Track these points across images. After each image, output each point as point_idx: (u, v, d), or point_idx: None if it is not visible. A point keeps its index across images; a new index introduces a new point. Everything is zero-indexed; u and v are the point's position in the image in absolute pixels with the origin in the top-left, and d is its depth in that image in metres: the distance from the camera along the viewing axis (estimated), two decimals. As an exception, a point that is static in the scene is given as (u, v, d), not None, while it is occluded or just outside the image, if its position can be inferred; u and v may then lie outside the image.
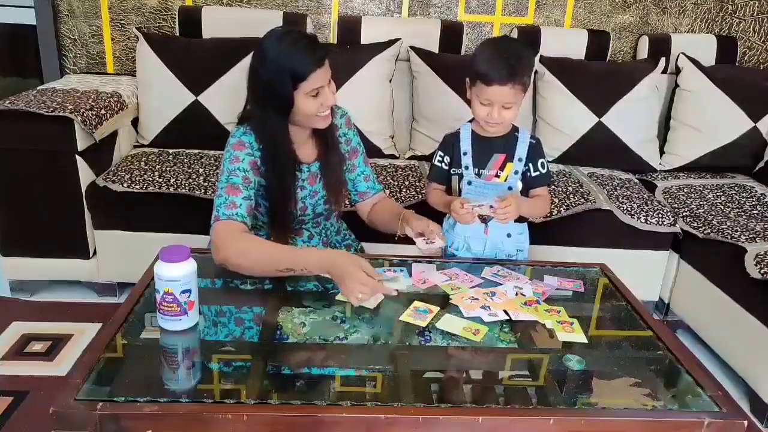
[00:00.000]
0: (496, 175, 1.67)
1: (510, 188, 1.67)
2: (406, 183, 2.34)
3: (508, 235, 1.70)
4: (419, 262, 1.58)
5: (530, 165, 1.68)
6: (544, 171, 1.69)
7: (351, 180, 1.75)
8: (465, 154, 1.68)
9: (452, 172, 1.72)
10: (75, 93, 2.35)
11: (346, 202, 1.83)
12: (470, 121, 1.71)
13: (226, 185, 1.47)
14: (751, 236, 2.10)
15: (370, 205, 1.78)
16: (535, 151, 1.68)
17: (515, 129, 1.69)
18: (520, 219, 1.71)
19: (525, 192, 1.71)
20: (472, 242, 1.71)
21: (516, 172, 1.67)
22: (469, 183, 1.68)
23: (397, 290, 1.40)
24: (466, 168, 1.68)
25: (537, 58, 2.71)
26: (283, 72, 1.43)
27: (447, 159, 1.73)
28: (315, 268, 1.38)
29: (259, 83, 1.49)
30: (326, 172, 1.64)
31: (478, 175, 1.67)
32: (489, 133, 1.65)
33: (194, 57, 2.55)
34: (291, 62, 1.42)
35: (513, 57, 1.53)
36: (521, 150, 1.67)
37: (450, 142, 1.72)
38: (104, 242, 2.28)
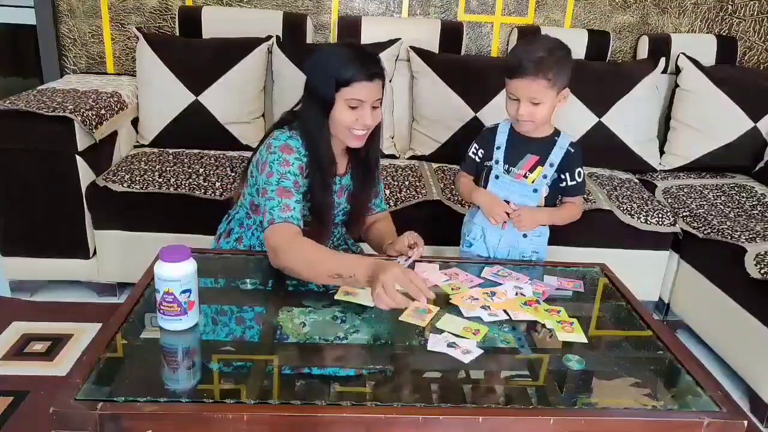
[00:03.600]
0: (525, 176, 1.65)
1: (535, 191, 1.65)
2: (406, 183, 2.34)
3: (524, 235, 1.70)
4: (419, 261, 1.58)
5: (567, 174, 1.65)
6: (580, 180, 1.66)
7: None
8: (498, 148, 1.67)
9: (484, 164, 1.72)
10: (75, 93, 2.35)
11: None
12: None
13: (277, 188, 1.46)
14: (751, 236, 2.10)
15: (370, 221, 1.78)
16: (575, 159, 1.65)
17: (556, 133, 1.66)
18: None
19: (556, 200, 1.70)
20: (488, 233, 1.71)
21: (545, 177, 1.64)
22: (497, 177, 1.67)
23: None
24: (497, 162, 1.67)
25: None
26: (331, 72, 1.45)
27: (482, 152, 1.73)
28: (362, 273, 1.32)
29: (309, 78, 1.53)
30: (356, 192, 1.66)
31: (507, 171, 1.66)
32: (524, 131, 1.63)
33: (194, 57, 2.55)
34: (340, 65, 1.45)
35: (539, 51, 1.52)
36: (555, 156, 1.63)
37: (487, 136, 1.72)
38: (104, 242, 2.28)
